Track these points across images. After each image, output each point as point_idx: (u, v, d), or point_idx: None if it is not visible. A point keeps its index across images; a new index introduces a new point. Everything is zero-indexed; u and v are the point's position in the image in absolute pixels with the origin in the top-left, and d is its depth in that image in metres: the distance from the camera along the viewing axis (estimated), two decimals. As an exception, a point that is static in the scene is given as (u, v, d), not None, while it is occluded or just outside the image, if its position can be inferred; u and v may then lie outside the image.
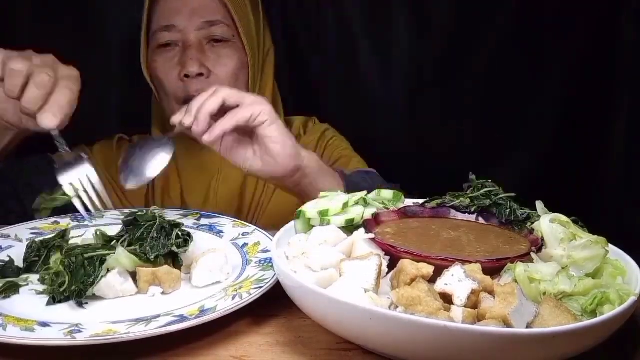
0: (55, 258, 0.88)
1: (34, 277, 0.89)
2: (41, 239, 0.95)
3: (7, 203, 1.26)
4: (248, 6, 1.37)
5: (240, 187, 1.39)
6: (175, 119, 1.05)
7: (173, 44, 1.32)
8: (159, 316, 0.77)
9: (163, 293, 0.85)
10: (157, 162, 1.04)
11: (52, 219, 1.07)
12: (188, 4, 1.31)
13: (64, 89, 0.92)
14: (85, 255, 0.85)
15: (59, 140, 0.95)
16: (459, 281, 0.69)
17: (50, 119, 0.90)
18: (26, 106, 0.91)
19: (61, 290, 0.82)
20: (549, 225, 0.80)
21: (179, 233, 0.91)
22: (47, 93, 0.91)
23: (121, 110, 1.68)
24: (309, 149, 1.20)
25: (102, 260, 0.85)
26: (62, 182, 0.95)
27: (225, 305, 0.78)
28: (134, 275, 0.86)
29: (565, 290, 0.71)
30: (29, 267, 0.91)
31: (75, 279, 0.82)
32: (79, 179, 0.95)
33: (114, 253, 0.85)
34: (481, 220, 0.90)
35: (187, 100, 1.26)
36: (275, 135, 1.04)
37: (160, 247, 0.88)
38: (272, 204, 1.39)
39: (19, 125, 0.99)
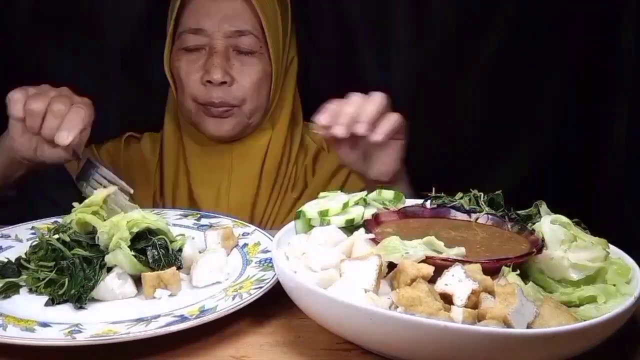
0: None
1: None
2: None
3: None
4: (278, 14, 1.35)
5: (253, 197, 1.38)
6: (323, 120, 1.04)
7: (199, 47, 1.31)
8: (159, 316, 0.77)
9: (171, 295, 0.84)
10: None
11: (52, 219, 1.07)
12: (220, 10, 1.30)
13: (75, 109, 1.02)
14: (85, 258, 0.85)
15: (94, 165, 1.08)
16: (459, 281, 0.69)
17: (65, 135, 1.00)
18: (46, 134, 1.01)
19: (60, 293, 0.82)
20: (550, 226, 0.80)
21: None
22: (63, 119, 1.01)
23: (121, 110, 1.67)
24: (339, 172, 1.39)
25: (102, 264, 0.85)
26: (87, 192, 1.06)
27: (225, 305, 0.78)
28: (132, 277, 0.86)
29: (561, 300, 0.73)
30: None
31: (74, 283, 0.82)
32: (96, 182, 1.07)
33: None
34: (481, 220, 0.90)
35: (206, 104, 1.30)
36: (394, 157, 1.12)
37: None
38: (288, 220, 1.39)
39: (34, 159, 1.09)
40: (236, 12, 1.30)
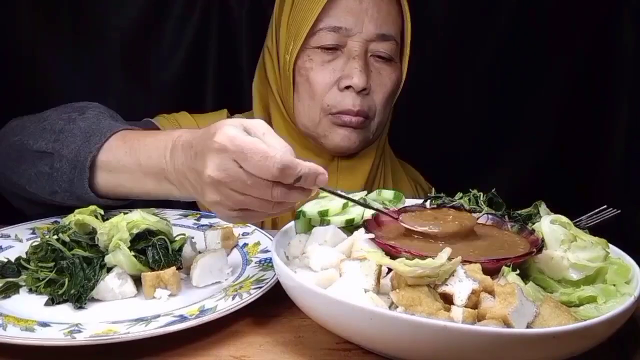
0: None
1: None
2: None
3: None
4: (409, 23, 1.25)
5: None
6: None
7: (337, 47, 1.19)
8: (159, 316, 0.77)
9: (170, 295, 0.84)
10: None
11: (52, 219, 1.07)
12: (367, 11, 1.18)
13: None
14: (85, 258, 0.85)
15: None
16: (459, 281, 0.69)
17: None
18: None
19: (60, 293, 0.82)
20: (550, 226, 0.80)
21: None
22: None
23: (121, 110, 1.67)
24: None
25: (102, 264, 0.85)
26: None
27: (225, 305, 0.78)
28: (132, 277, 0.86)
29: (561, 300, 0.73)
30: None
31: (74, 283, 0.82)
32: None
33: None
34: (481, 220, 0.90)
35: (340, 112, 1.18)
36: None
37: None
38: None
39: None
40: (382, 15, 1.19)
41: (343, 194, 0.85)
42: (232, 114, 1.37)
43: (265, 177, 0.73)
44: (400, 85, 1.26)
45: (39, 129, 1.03)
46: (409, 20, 1.23)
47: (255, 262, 0.92)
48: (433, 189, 1.45)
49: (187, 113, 1.33)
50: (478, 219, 0.90)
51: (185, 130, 0.86)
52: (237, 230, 1.02)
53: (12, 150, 1.05)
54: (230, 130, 0.75)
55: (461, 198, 0.95)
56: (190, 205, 1.15)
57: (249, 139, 0.74)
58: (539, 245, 0.78)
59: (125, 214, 0.91)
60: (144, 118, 1.33)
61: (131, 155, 0.95)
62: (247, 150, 0.73)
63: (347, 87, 1.17)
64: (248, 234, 1.02)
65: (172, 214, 1.11)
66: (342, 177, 1.27)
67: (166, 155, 0.88)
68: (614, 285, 0.75)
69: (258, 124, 0.78)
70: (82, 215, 0.89)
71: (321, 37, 1.19)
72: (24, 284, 0.87)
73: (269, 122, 1.28)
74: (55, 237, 0.89)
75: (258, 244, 0.98)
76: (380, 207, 0.91)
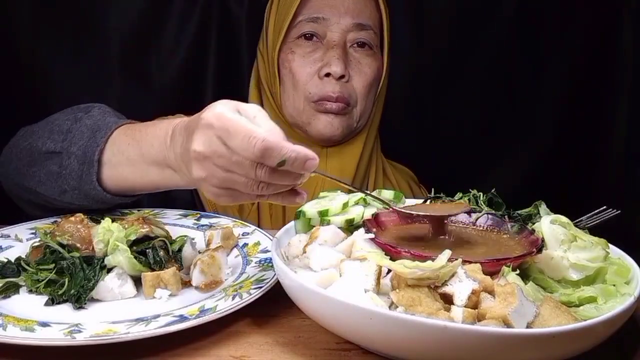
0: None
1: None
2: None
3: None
4: (388, 14, 1.31)
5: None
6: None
7: (315, 37, 1.26)
8: (158, 316, 0.77)
9: (171, 295, 0.84)
10: None
11: (52, 219, 1.07)
12: (344, 2, 1.26)
13: None
14: (85, 258, 0.85)
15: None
16: (459, 281, 0.69)
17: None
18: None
19: (59, 293, 0.82)
20: (550, 226, 0.80)
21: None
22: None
23: (121, 110, 1.67)
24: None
25: (103, 266, 0.85)
26: None
27: (225, 305, 0.78)
28: (132, 278, 0.86)
29: (561, 300, 0.73)
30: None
31: (74, 283, 0.83)
32: None
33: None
34: (481, 220, 0.90)
35: (321, 99, 1.24)
36: None
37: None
38: None
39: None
40: (359, 5, 1.27)
41: (338, 179, 0.88)
42: None
43: (247, 157, 0.74)
44: (382, 76, 1.32)
45: (47, 131, 1.05)
46: (385, 12, 1.30)
47: (255, 262, 0.92)
48: (432, 189, 1.45)
49: (183, 115, 1.33)
50: (477, 219, 0.90)
51: (186, 118, 0.88)
52: (237, 230, 1.02)
53: (23, 155, 1.06)
54: (219, 108, 0.77)
55: (461, 198, 0.95)
56: (190, 205, 1.15)
57: (236, 117, 0.75)
58: (539, 245, 0.78)
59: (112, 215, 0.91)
60: (143, 118, 1.33)
61: (134, 146, 0.96)
62: (231, 128, 0.74)
63: (327, 75, 1.24)
64: (248, 234, 1.02)
65: (172, 214, 1.11)
66: (331, 164, 1.31)
67: (167, 142, 0.89)
68: (614, 285, 0.75)
69: (252, 107, 0.80)
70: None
71: (301, 27, 1.27)
72: (24, 284, 0.87)
73: None
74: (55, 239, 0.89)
75: (258, 244, 0.98)
76: (379, 206, 0.91)
